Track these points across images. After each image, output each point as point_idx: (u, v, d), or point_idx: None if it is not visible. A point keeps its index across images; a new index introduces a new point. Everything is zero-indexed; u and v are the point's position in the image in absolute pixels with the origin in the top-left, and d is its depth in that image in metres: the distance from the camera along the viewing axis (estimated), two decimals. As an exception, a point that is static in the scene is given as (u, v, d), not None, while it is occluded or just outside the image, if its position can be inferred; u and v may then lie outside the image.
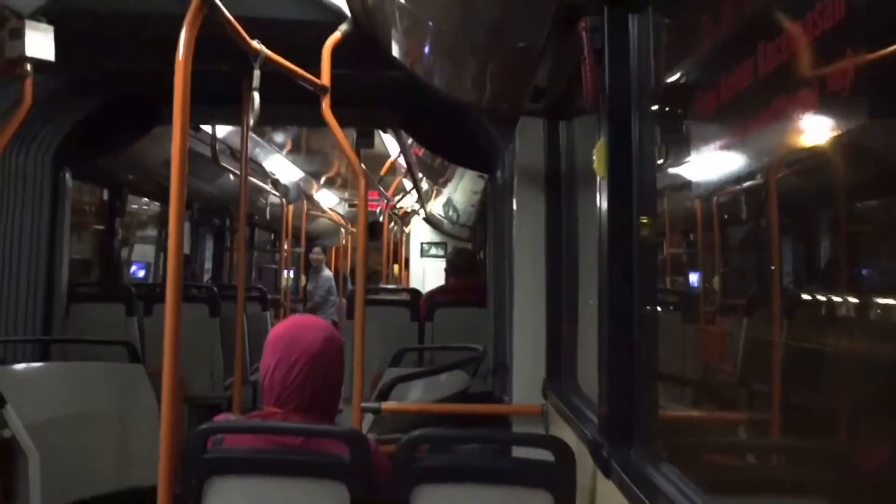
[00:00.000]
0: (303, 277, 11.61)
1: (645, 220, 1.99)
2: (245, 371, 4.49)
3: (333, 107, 3.21)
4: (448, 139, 4.79)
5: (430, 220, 12.45)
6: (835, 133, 1.25)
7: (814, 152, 1.35)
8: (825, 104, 1.22)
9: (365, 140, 5.25)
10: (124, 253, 7.70)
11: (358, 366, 3.21)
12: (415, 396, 4.16)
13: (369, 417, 3.53)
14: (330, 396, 2.31)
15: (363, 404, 3.23)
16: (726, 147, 1.71)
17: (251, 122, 2.84)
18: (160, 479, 2.11)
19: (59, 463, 3.47)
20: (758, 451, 1.73)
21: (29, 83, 3.20)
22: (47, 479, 3.31)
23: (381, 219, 11.86)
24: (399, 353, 4.69)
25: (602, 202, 2.11)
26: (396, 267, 13.07)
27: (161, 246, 8.01)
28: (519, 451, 2.79)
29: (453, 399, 3.98)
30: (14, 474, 3.25)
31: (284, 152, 8.46)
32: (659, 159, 2.03)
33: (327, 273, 9.95)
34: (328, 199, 12.11)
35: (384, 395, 3.55)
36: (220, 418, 2.45)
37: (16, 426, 3.24)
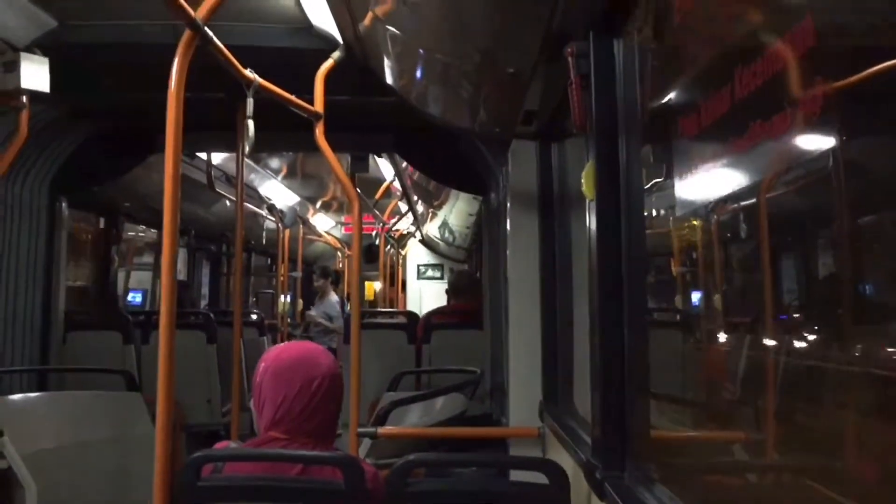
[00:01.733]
0: (299, 302, 11.57)
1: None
2: (243, 397, 4.48)
3: (327, 133, 3.24)
4: (442, 162, 4.82)
5: (426, 242, 12.46)
6: (814, 152, 1.27)
7: (796, 172, 1.38)
8: (804, 126, 1.24)
9: (359, 164, 5.28)
10: (121, 280, 7.70)
11: (354, 390, 3.21)
12: (413, 420, 4.15)
13: (367, 442, 3.52)
14: (336, 420, 2.31)
15: (359, 430, 3.23)
16: (714, 167, 1.73)
17: (246, 149, 2.86)
18: (155, 507, 2.11)
19: (57, 493, 3.46)
20: (750, 472, 1.74)
21: (25, 115, 3.23)
22: None
23: (377, 241, 11.86)
24: (397, 378, 4.68)
25: (591, 224, 2.12)
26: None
27: (158, 273, 8.02)
28: (518, 474, 2.79)
29: (451, 422, 3.97)
30: (11, 505, 3.24)
31: (280, 177, 8.49)
32: (648, 182, 2.05)
33: (334, 298, 9.78)
34: (324, 223, 12.12)
35: (381, 420, 3.55)
36: (221, 446, 2.44)
37: (13, 457, 3.23)
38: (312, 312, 9.71)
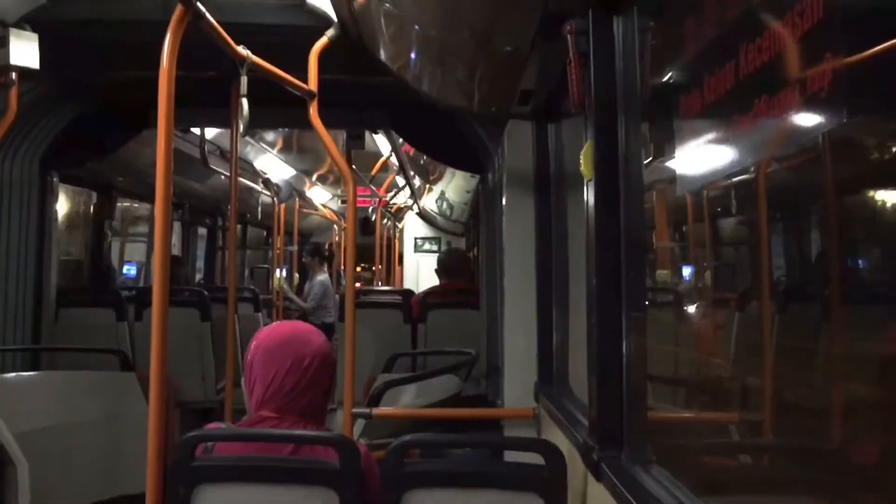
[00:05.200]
0: (295, 276, 11.54)
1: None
2: (237, 374, 4.47)
3: (322, 110, 3.21)
4: (439, 140, 4.79)
5: (423, 215, 12.43)
6: (817, 132, 1.25)
7: (797, 152, 1.36)
8: (807, 104, 1.22)
9: (355, 142, 5.24)
10: (115, 255, 7.65)
11: (349, 370, 3.20)
12: (407, 400, 4.15)
13: (361, 422, 3.52)
14: (326, 399, 2.30)
15: (354, 410, 3.22)
16: (713, 147, 1.71)
17: (241, 128, 2.82)
18: (148, 486, 2.10)
19: (49, 472, 3.46)
20: (746, 452, 1.73)
21: (14, 92, 3.18)
22: (36, 489, 3.29)
23: (373, 217, 11.83)
24: (392, 359, 4.67)
25: (589, 204, 2.11)
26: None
27: (152, 246, 7.97)
28: (511, 455, 2.79)
29: (446, 403, 3.97)
30: (2, 483, 3.23)
31: (275, 151, 8.43)
32: (646, 159, 2.03)
33: (320, 277, 9.71)
34: (321, 196, 12.07)
35: (375, 400, 3.54)
36: (212, 427, 2.44)
37: (4, 435, 3.22)
38: (307, 288, 9.68)
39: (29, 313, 4.54)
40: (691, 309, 2.13)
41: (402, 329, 5.51)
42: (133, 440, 3.84)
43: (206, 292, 5.92)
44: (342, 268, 10.96)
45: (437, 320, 5.47)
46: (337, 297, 8.85)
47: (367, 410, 3.35)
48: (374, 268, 13.60)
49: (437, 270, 6.30)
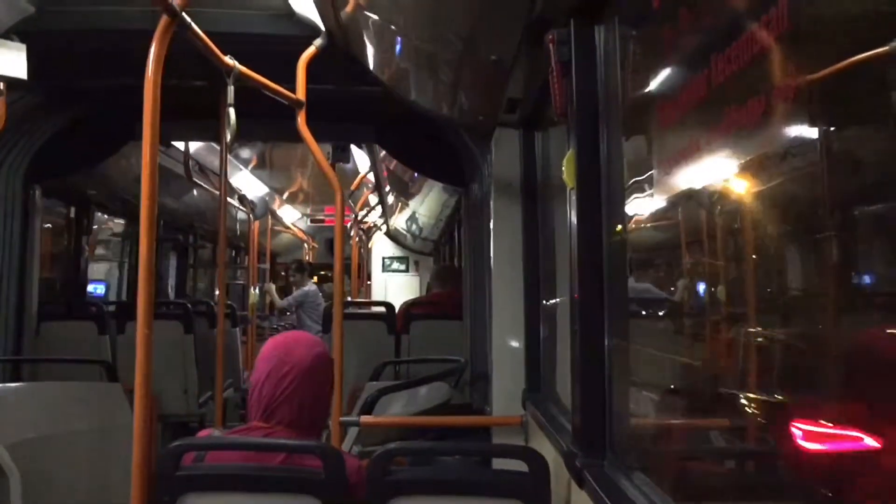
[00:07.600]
0: (272, 287, 11.53)
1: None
2: (222, 387, 4.45)
3: (309, 121, 3.22)
4: (424, 153, 4.81)
5: (391, 234, 12.46)
6: (791, 139, 1.27)
7: (773, 160, 1.38)
8: (773, 112, 1.24)
9: (340, 154, 5.25)
10: (91, 270, 7.62)
11: (336, 379, 3.20)
12: (397, 409, 4.14)
13: (353, 431, 3.52)
14: (317, 412, 2.29)
15: (342, 419, 3.22)
16: (692, 155, 1.73)
17: (228, 138, 2.81)
18: (133, 496, 2.09)
19: (38, 483, 3.43)
20: (728, 459, 1.74)
21: (1, 102, 3.17)
22: (26, 499, 3.27)
23: (350, 232, 11.86)
24: (380, 367, 4.67)
25: (572, 213, 2.12)
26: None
27: (123, 263, 7.99)
28: (501, 462, 2.79)
29: (435, 411, 3.96)
30: (-7, 493, 3.21)
31: (250, 167, 8.43)
32: (629, 170, 2.05)
33: (305, 288, 9.73)
34: (290, 215, 12.08)
35: (368, 409, 3.54)
36: (205, 433, 2.43)
37: None
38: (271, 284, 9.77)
39: (11, 327, 4.51)
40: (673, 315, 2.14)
41: (386, 340, 5.52)
42: (120, 450, 3.80)
43: (189, 305, 5.91)
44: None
45: (420, 331, 5.49)
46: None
47: (355, 419, 3.35)
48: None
49: (429, 283, 6.35)
